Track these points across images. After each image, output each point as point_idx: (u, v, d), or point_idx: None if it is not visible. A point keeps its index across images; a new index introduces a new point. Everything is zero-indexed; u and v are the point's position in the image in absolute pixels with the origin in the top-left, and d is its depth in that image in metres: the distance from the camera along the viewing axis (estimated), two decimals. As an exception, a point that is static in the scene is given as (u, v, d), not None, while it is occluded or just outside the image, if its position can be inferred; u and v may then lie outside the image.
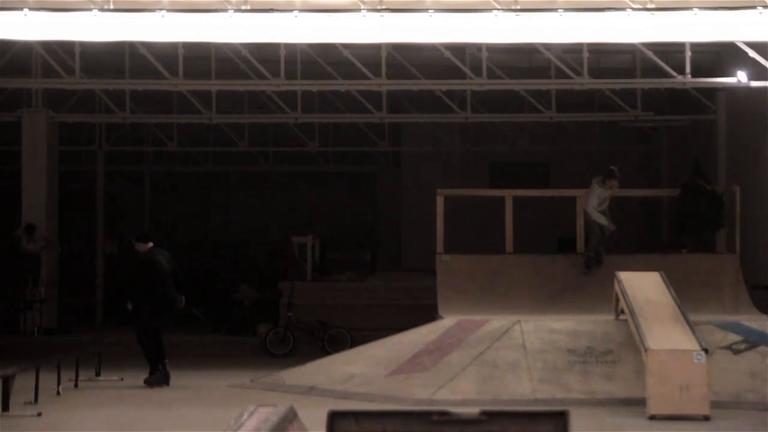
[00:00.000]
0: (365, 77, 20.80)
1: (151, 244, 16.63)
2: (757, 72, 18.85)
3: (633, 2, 14.24)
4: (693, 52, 19.31)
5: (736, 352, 14.30)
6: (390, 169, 32.20)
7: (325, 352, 19.41)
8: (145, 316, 16.11)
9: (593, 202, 17.59)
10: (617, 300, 14.80)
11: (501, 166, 30.34)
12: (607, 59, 23.33)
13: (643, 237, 28.38)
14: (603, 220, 17.58)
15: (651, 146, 29.84)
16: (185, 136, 29.51)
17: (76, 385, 15.64)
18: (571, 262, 18.23)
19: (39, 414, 12.68)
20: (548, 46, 19.95)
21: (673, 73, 19.87)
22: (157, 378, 15.93)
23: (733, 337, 14.51)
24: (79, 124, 27.53)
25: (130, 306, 16.36)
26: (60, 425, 12.26)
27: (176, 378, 17.14)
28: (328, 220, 32.05)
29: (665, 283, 14.77)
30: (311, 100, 25.53)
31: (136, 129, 29.42)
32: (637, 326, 13.49)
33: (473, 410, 4.91)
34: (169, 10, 14.19)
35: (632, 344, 13.90)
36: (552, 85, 22.21)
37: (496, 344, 14.59)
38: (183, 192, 33.73)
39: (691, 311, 14.18)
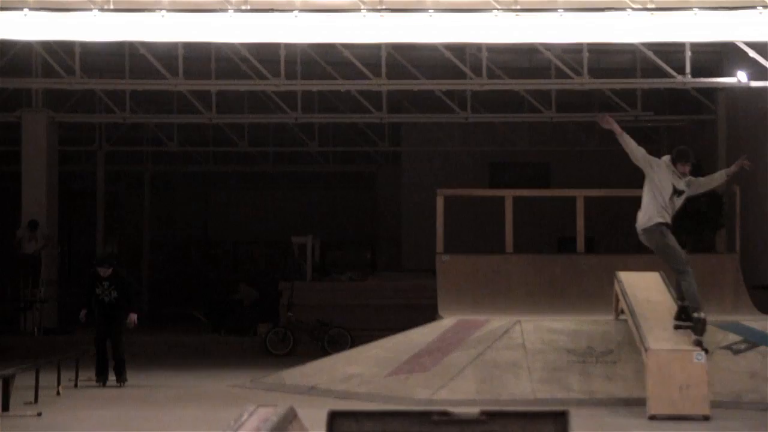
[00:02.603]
0: (365, 77, 20.81)
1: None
2: (757, 72, 18.86)
3: (633, 2, 14.24)
4: (693, 52, 19.32)
5: (736, 352, 14.29)
6: (390, 169, 32.21)
7: (325, 352, 19.41)
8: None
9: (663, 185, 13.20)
10: (617, 300, 14.79)
11: (501, 166, 30.37)
12: (607, 59, 23.34)
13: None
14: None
15: (651, 146, 29.74)
16: (185, 136, 29.54)
17: (76, 385, 15.65)
18: (571, 262, 18.23)
19: (39, 414, 12.68)
20: (548, 46, 19.95)
21: (673, 73, 19.87)
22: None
23: (733, 337, 14.50)
24: (79, 124, 27.56)
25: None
26: (60, 425, 12.26)
27: (176, 378, 17.16)
28: (328, 220, 32.08)
29: (665, 283, 14.76)
30: (311, 100, 25.54)
31: (136, 129, 29.44)
32: (637, 326, 13.48)
33: (473, 410, 4.90)
34: (169, 10, 14.19)
35: (632, 344, 13.89)
36: (552, 85, 22.23)
37: (496, 344, 14.58)
38: (183, 192, 33.75)
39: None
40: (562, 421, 4.81)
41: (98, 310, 16.15)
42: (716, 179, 13.97)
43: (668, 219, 13.15)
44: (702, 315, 13.04)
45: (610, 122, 13.55)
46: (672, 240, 13.18)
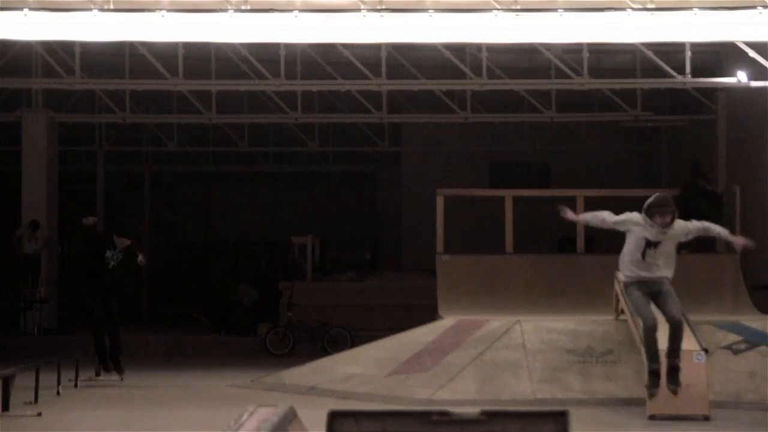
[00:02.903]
0: (365, 77, 20.80)
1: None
2: (757, 72, 18.85)
3: (633, 2, 14.24)
4: (693, 52, 19.31)
5: (736, 352, 14.30)
6: (390, 169, 32.20)
7: (325, 352, 19.41)
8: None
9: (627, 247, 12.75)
10: (617, 300, 14.79)
11: (501, 166, 30.34)
12: (607, 59, 23.33)
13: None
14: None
15: (651, 146, 29.84)
16: (185, 136, 29.53)
17: (76, 385, 15.64)
18: (571, 262, 18.23)
19: (39, 414, 12.68)
20: (548, 46, 19.94)
21: (673, 73, 19.87)
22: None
23: (733, 337, 14.50)
24: (79, 124, 27.54)
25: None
26: (60, 425, 12.26)
27: (176, 378, 17.16)
28: (328, 220, 32.06)
29: (665, 283, 14.75)
30: (311, 100, 25.54)
31: (136, 129, 29.44)
32: (637, 326, 13.48)
33: (473, 410, 4.90)
34: (169, 10, 14.19)
35: (632, 344, 13.89)
36: (552, 85, 22.21)
37: (496, 344, 14.59)
38: (183, 192, 33.74)
39: (691, 311, 14.17)
40: (562, 421, 4.81)
41: (99, 283, 15.98)
42: (711, 231, 12.90)
43: (639, 275, 12.49)
44: (655, 366, 12.39)
45: (568, 214, 13.29)
46: (634, 296, 12.59)
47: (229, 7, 14.28)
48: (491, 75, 20.99)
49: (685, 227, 12.64)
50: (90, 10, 14.12)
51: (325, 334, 21.13)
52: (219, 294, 26.42)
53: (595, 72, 21.19)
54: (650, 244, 12.45)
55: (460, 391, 13.86)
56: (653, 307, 12.57)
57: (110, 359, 16.03)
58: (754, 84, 19.49)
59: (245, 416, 5.58)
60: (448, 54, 20.40)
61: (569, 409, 5.04)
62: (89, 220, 16.36)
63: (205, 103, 23.92)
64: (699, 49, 19.56)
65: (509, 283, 17.76)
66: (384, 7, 14.25)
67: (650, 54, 19.69)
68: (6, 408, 12.85)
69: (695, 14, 14.06)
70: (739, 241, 13.08)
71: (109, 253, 16.04)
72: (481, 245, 21.50)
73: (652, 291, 12.53)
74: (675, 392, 12.32)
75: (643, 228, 12.47)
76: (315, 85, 22.41)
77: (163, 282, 31.80)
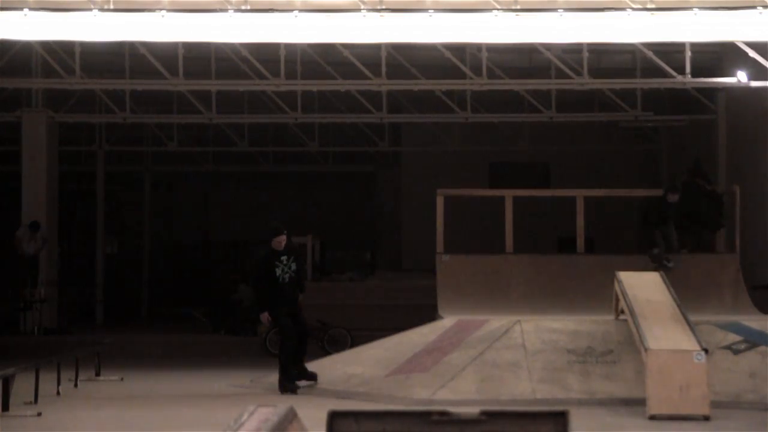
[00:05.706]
0: (365, 77, 20.80)
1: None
2: (757, 72, 18.85)
3: (633, 2, 14.23)
4: (693, 52, 19.31)
5: (736, 352, 14.30)
6: (390, 169, 32.21)
7: (325, 352, 19.40)
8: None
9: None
10: (617, 300, 14.79)
11: (501, 166, 30.35)
12: (607, 59, 23.34)
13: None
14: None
15: (651, 146, 29.85)
16: (185, 136, 29.54)
17: (76, 385, 15.64)
18: (571, 262, 18.23)
19: (39, 414, 12.68)
20: (548, 46, 19.94)
21: (673, 73, 19.87)
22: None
23: (733, 337, 14.50)
24: (79, 124, 27.54)
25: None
26: (60, 425, 12.26)
27: (176, 378, 17.16)
28: (328, 220, 32.07)
29: (665, 283, 14.77)
30: (311, 100, 25.53)
31: (136, 129, 29.43)
32: (637, 326, 13.49)
33: (473, 410, 4.90)
34: (169, 10, 14.19)
35: (632, 344, 13.89)
36: (552, 85, 22.22)
37: (496, 344, 14.58)
38: (183, 192, 33.74)
39: (691, 311, 14.17)
40: (562, 421, 4.81)
41: (280, 299, 14.90)
42: None
43: None
44: None
45: None
46: None
47: (229, 7, 14.28)
48: (491, 75, 20.99)
49: None
50: (90, 10, 14.12)
51: (325, 334, 21.12)
52: (219, 294, 26.42)
53: (595, 72, 21.19)
54: None
55: (460, 391, 13.85)
56: None
57: (302, 375, 14.99)
58: (754, 84, 19.50)
59: (245, 416, 5.58)
60: (448, 54, 20.39)
61: (569, 409, 5.04)
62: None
63: (205, 103, 23.92)
64: (699, 49, 19.55)
65: (509, 283, 17.76)
66: (384, 7, 14.24)
67: (650, 54, 19.69)
68: (6, 408, 12.85)
69: (695, 14, 14.06)
70: None
71: (278, 270, 14.90)
72: (481, 245, 21.50)
73: None
74: None
75: None
76: (315, 85, 22.41)
77: (163, 281, 31.82)
